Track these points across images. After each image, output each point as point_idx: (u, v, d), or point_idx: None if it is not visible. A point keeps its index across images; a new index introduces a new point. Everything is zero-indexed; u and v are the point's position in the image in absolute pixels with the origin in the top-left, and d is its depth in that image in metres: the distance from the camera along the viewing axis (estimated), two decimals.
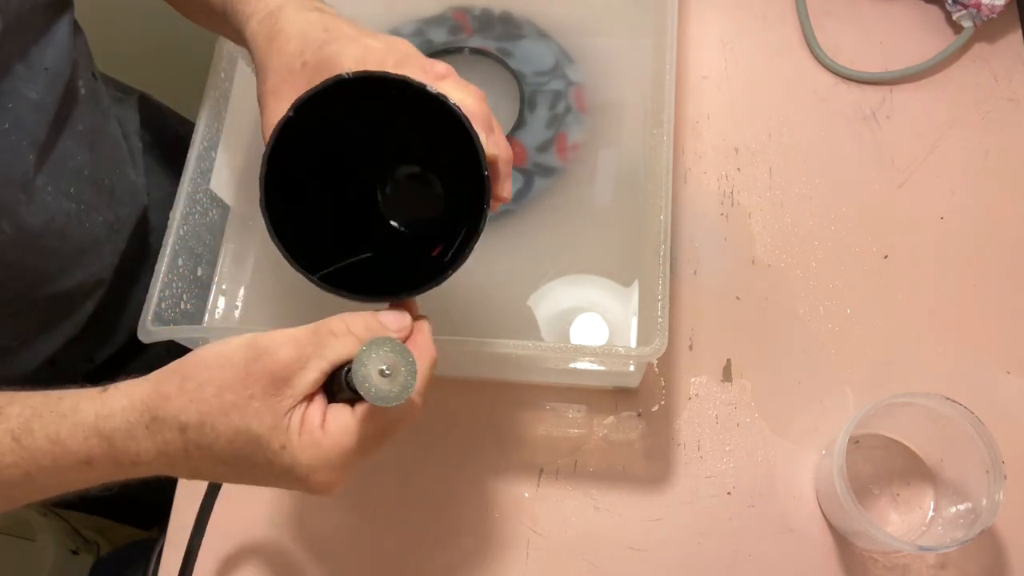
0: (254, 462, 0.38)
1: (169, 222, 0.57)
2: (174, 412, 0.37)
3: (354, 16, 0.72)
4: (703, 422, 0.61)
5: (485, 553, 0.58)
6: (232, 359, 0.37)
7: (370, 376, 0.35)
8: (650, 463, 0.60)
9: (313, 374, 0.37)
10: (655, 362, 0.62)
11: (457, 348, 0.52)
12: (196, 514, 0.51)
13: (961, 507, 0.54)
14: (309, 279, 0.40)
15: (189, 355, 0.39)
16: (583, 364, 0.57)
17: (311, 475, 0.37)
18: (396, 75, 0.39)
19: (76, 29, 0.60)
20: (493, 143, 0.42)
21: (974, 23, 0.69)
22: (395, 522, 0.60)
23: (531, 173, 0.64)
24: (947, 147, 0.68)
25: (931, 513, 0.57)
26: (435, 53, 0.69)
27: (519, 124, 0.66)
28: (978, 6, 0.67)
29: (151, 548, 0.91)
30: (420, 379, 0.39)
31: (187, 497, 0.61)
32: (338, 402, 0.39)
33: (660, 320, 0.50)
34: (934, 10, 0.73)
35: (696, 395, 0.61)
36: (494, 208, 0.43)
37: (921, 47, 0.71)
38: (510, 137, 0.65)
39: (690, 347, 0.63)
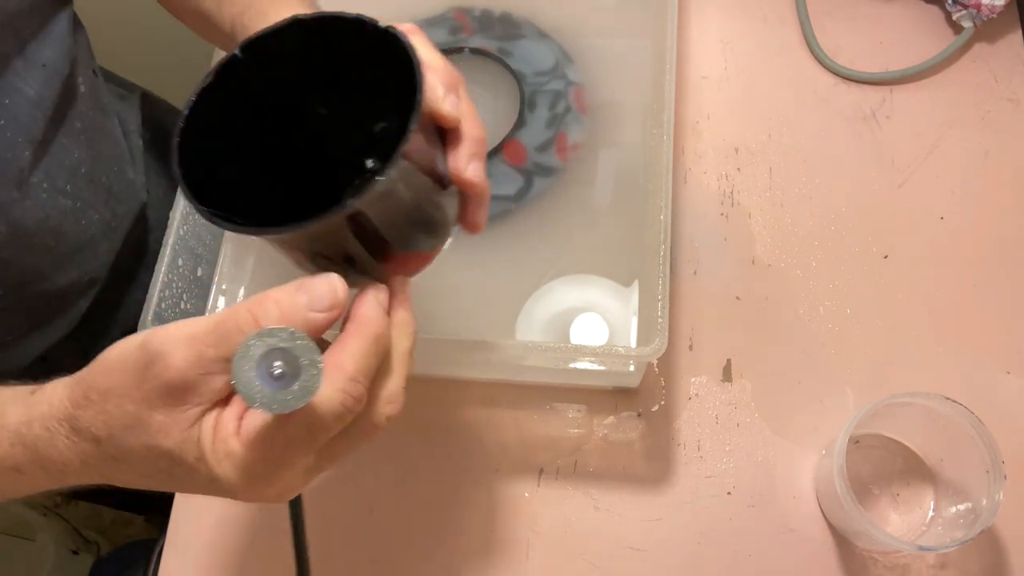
0: (174, 475, 0.34)
1: (169, 222, 0.57)
2: (86, 424, 0.33)
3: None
4: (703, 422, 0.61)
5: (485, 553, 0.58)
6: (127, 364, 0.33)
7: (250, 379, 0.29)
8: (650, 463, 0.60)
9: (220, 379, 0.32)
10: (655, 362, 0.62)
11: (457, 348, 0.52)
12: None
13: (961, 507, 0.54)
14: (193, 204, 0.34)
15: (100, 355, 0.34)
16: (583, 364, 0.57)
17: (237, 489, 0.33)
18: (350, 14, 0.36)
19: (76, 25, 0.60)
20: (452, 102, 0.37)
21: (974, 23, 0.69)
22: (395, 522, 0.60)
23: (531, 173, 0.64)
24: (947, 147, 0.68)
25: (931, 513, 0.57)
26: None
27: (519, 124, 0.66)
28: (978, 6, 0.67)
29: (151, 548, 0.92)
30: (396, 375, 0.34)
31: (187, 497, 0.61)
32: None
33: (660, 320, 0.50)
34: (934, 10, 0.73)
35: (696, 395, 0.61)
36: (474, 230, 0.40)
37: (921, 47, 0.71)
38: (510, 137, 0.65)
39: (690, 347, 0.63)
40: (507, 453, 0.61)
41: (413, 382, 0.64)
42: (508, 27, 0.70)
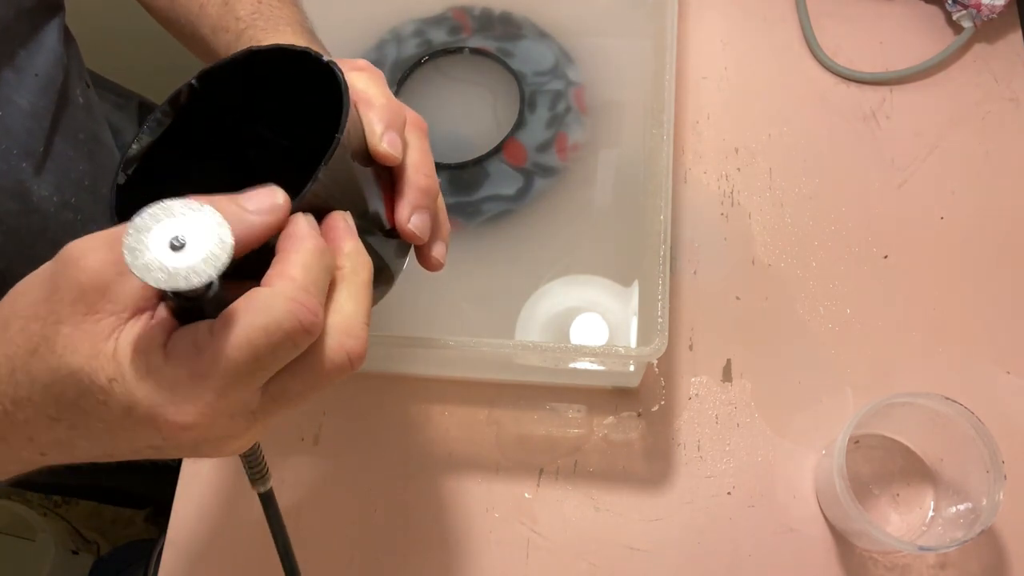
0: (84, 410, 0.28)
1: None
2: None
3: (355, 17, 0.72)
4: (703, 422, 0.61)
5: (485, 553, 0.58)
6: (36, 279, 0.29)
7: (144, 248, 0.25)
8: (650, 463, 0.60)
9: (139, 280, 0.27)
10: (655, 362, 0.62)
11: (457, 348, 0.52)
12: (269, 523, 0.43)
13: (961, 507, 0.54)
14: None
15: None
16: (583, 364, 0.57)
17: (158, 414, 0.27)
18: (298, 47, 0.35)
19: (68, 37, 0.60)
20: (390, 141, 0.35)
21: (974, 23, 0.69)
22: (395, 522, 0.60)
23: (531, 173, 0.64)
24: (947, 147, 0.68)
25: (931, 513, 0.57)
26: (435, 53, 0.69)
27: (519, 124, 0.66)
28: (978, 6, 0.67)
29: (151, 548, 0.92)
30: (355, 304, 0.31)
31: (187, 497, 0.61)
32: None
33: (660, 320, 0.50)
34: (934, 10, 0.73)
35: (696, 395, 0.61)
36: (432, 269, 0.39)
37: (921, 47, 0.71)
38: (510, 137, 0.65)
39: (690, 347, 0.63)
40: (507, 453, 0.61)
41: (413, 382, 0.64)
42: (508, 27, 0.70)
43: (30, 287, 0.29)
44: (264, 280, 0.28)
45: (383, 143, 0.35)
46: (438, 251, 0.39)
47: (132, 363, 0.27)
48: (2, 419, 0.30)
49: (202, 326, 0.28)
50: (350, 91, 0.34)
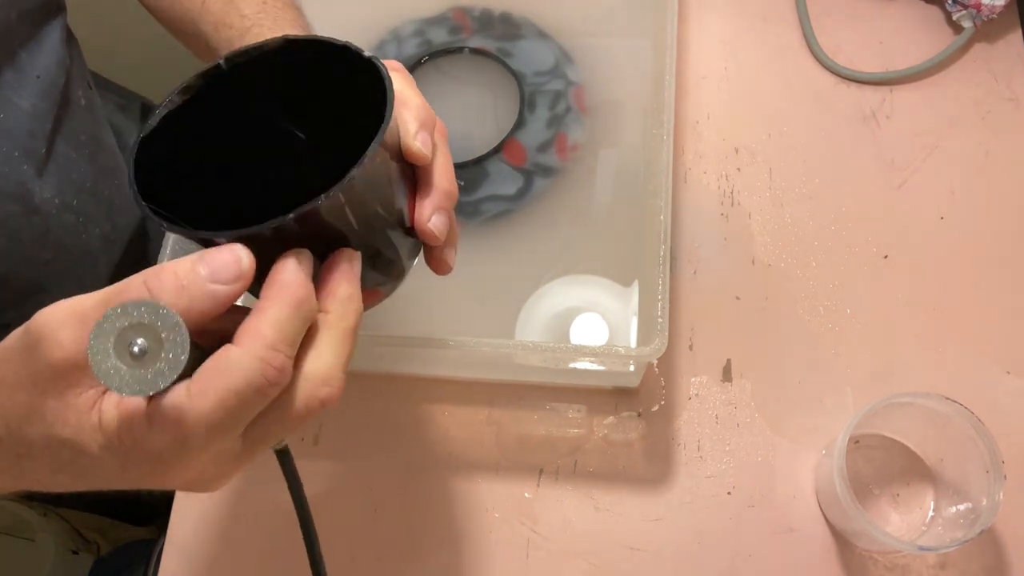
0: (85, 468, 0.30)
1: (166, 235, 0.57)
2: None
3: (355, 17, 0.72)
4: (703, 422, 0.61)
5: (485, 553, 0.58)
6: (12, 350, 0.30)
7: (106, 359, 0.26)
8: (650, 463, 0.60)
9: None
10: (655, 362, 0.62)
11: (457, 348, 0.52)
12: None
13: (961, 507, 0.54)
14: (133, 190, 0.32)
15: None
16: (583, 364, 0.57)
17: (147, 475, 0.30)
18: (338, 40, 0.36)
19: (70, 38, 0.60)
20: (423, 140, 0.36)
21: (974, 23, 0.69)
22: (395, 522, 0.60)
23: (531, 173, 0.64)
24: (947, 147, 0.68)
25: (931, 513, 0.57)
26: (435, 53, 0.69)
27: (519, 124, 0.66)
28: (978, 6, 0.67)
29: (151, 548, 0.92)
30: (333, 353, 0.31)
31: (187, 497, 0.61)
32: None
33: (660, 320, 0.50)
34: (934, 10, 0.73)
35: (696, 395, 0.61)
36: (440, 271, 0.40)
37: (921, 47, 0.71)
38: (510, 137, 0.65)
39: (690, 347, 0.63)
40: (507, 453, 0.61)
41: (413, 382, 0.64)
42: (508, 27, 0.70)
43: (8, 357, 0.30)
44: (236, 336, 0.29)
45: (416, 141, 0.36)
46: (449, 255, 0.40)
47: (118, 434, 0.29)
48: (14, 465, 0.32)
49: (180, 389, 0.29)
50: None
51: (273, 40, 0.37)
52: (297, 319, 0.30)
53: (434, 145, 0.38)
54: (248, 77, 0.37)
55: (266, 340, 0.29)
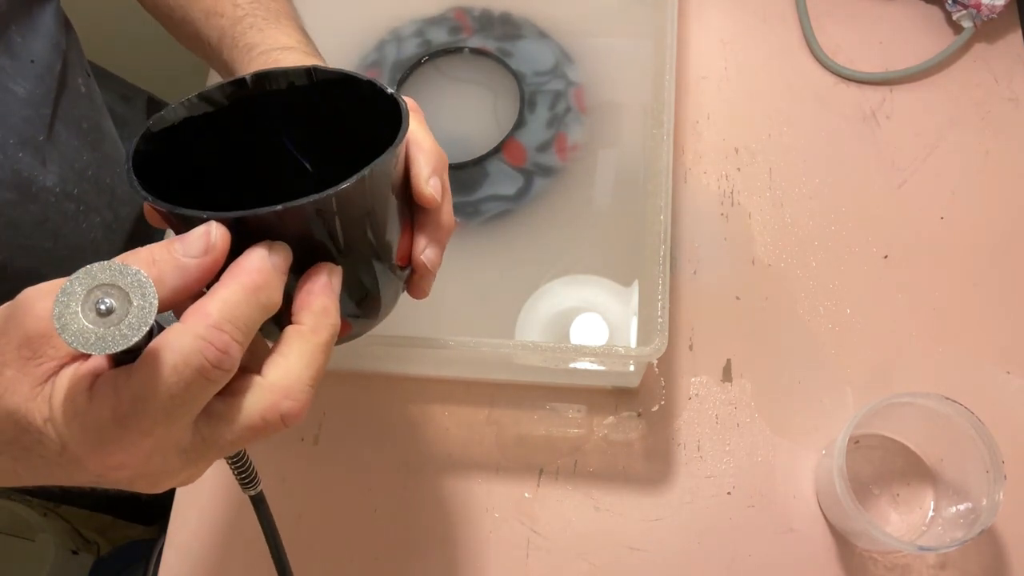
0: (24, 446, 0.29)
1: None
2: None
3: (355, 17, 0.72)
4: (703, 422, 0.61)
5: (485, 553, 0.58)
6: None
7: (71, 316, 0.26)
8: (650, 463, 0.60)
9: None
10: (655, 362, 0.62)
11: (457, 348, 0.52)
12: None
13: (961, 507, 0.54)
14: (128, 173, 0.33)
15: None
16: (583, 364, 0.57)
17: (84, 454, 0.29)
18: (363, 76, 0.37)
19: (66, 24, 0.60)
20: (435, 186, 0.37)
21: (974, 23, 0.69)
22: (395, 522, 0.60)
23: (531, 173, 0.64)
24: (947, 147, 0.68)
25: (931, 513, 0.57)
26: (435, 53, 0.69)
27: (519, 124, 0.66)
28: (978, 6, 0.67)
29: (151, 548, 0.92)
30: (302, 366, 0.31)
31: (187, 497, 0.61)
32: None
33: (660, 320, 0.50)
34: (934, 10, 0.73)
35: (696, 395, 0.61)
36: (417, 297, 0.40)
37: (921, 47, 0.71)
38: (510, 137, 0.65)
39: (690, 347, 0.63)
40: (507, 453, 0.61)
41: (413, 382, 0.64)
42: (508, 27, 0.70)
43: None
44: (182, 316, 0.29)
45: (428, 186, 0.36)
46: (429, 284, 0.40)
47: (62, 406, 0.28)
48: None
49: (122, 370, 0.28)
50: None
51: (299, 68, 0.37)
52: (251, 304, 0.29)
53: (445, 188, 0.38)
54: (269, 97, 0.38)
55: (210, 319, 0.28)
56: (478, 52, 0.69)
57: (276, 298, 0.31)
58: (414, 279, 0.40)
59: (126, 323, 0.26)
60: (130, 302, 0.26)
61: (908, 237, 0.65)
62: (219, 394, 0.30)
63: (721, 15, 0.75)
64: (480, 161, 0.64)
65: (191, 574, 0.59)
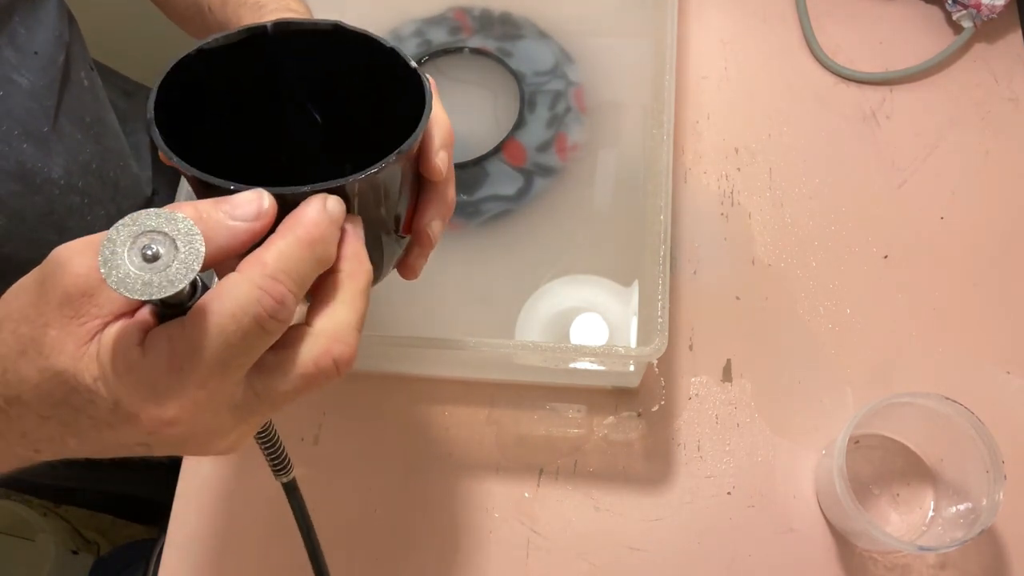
0: (74, 407, 0.29)
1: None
2: None
3: (355, 17, 0.72)
4: (703, 422, 0.61)
5: (485, 553, 0.58)
6: (26, 284, 0.29)
7: (116, 263, 0.25)
8: (650, 463, 0.60)
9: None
10: (655, 362, 0.62)
11: (457, 348, 0.52)
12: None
13: (961, 507, 0.54)
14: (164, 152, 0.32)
15: None
16: (583, 364, 0.57)
17: (139, 409, 0.28)
18: (387, 42, 0.37)
19: (69, 16, 0.60)
20: (443, 159, 0.37)
21: (974, 23, 0.69)
22: (395, 521, 0.60)
23: (531, 173, 0.64)
24: (947, 147, 0.68)
25: (931, 513, 0.57)
26: (435, 53, 0.69)
27: (519, 124, 0.66)
28: (978, 6, 0.67)
29: (151, 548, 0.92)
30: (347, 309, 0.31)
31: (187, 497, 0.61)
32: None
33: (660, 320, 0.50)
34: (934, 10, 0.73)
35: (696, 395, 0.61)
36: (410, 276, 0.41)
37: (921, 47, 0.71)
38: (510, 137, 0.65)
39: (690, 347, 0.63)
40: (507, 453, 0.61)
41: (413, 382, 0.64)
42: (508, 27, 0.70)
43: (21, 290, 0.29)
44: (239, 266, 0.29)
45: (438, 158, 0.36)
46: (421, 262, 0.41)
47: (112, 362, 0.28)
48: (1, 411, 0.30)
49: (175, 321, 0.28)
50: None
51: (324, 22, 0.37)
52: (307, 257, 0.29)
53: (449, 164, 0.38)
54: (288, 47, 0.38)
55: (266, 268, 0.28)
56: (478, 52, 0.69)
57: (331, 252, 0.31)
58: (412, 254, 0.40)
59: (173, 269, 0.26)
60: (177, 249, 0.26)
61: (908, 237, 0.65)
62: (269, 348, 0.30)
63: (721, 15, 0.75)
64: (480, 161, 0.65)
65: (191, 574, 0.59)
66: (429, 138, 0.37)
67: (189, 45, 0.36)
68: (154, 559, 0.87)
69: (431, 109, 0.35)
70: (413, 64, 0.36)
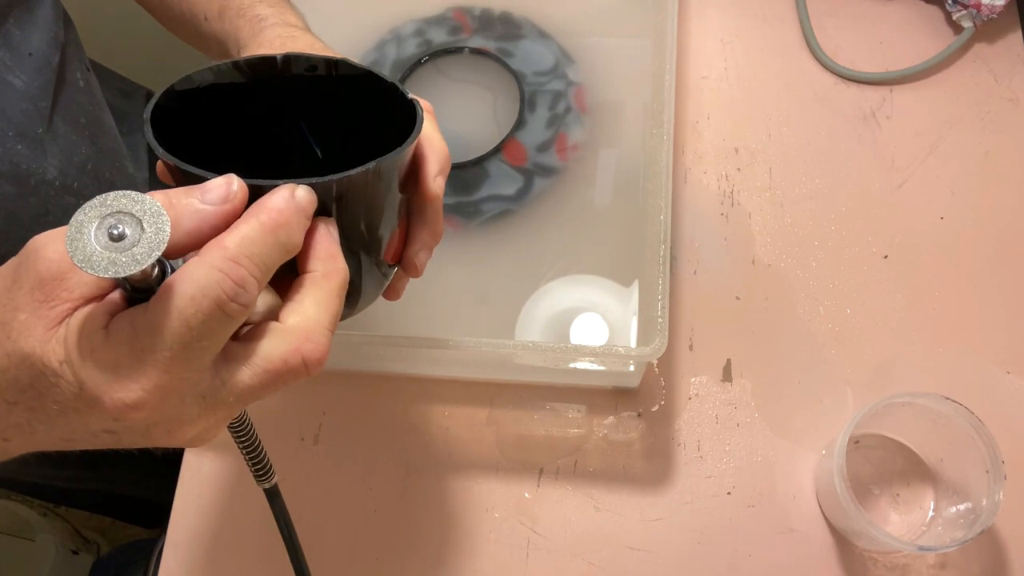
0: (39, 392, 0.29)
1: None
2: None
3: (356, 17, 0.72)
4: (703, 422, 0.61)
5: (485, 553, 0.58)
6: (3, 271, 0.30)
7: (82, 242, 0.26)
8: (650, 463, 0.60)
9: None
10: (655, 362, 0.62)
11: (457, 348, 0.52)
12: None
13: (961, 507, 0.54)
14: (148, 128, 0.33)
15: None
16: (583, 364, 0.57)
17: (103, 392, 0.28)
18: (388, 78, 0.38)
19: (66, 20, 0.60)
20: (439, 185, 0.38)
21: (974, 23, 0.69)
22: (395, 522, 0.60)
23: (531, 173, 0.64)
24: (947, 147, 0.68)
25: (931, 513, 0.57)
26: (435, 53, 0.69)
27: (519, 124, 0.66)
28: (978, 6, 0.67)
29: (151, 548, 0.92)
30: (319, 308, 0.31)
31: (187, 497, 0.61)
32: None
33: (660, 320, 0.50)
34: (934, 10, 0.73)
35: (696, 395, 0.61)
36: (392, 298, 0.42)
37: (921, 47, 0.71)
38: (510, 137, 0.65)
39: (690, 347, 0.63)
40: (507, 453, 0.61)
41: (413, 382, 0.64)
42: (508, 27, 0.70)
43: (1, 273, 0.30)
44: (202, 250, 0.29)
45: (434, 184, 0.37)
46: (403, 284, 0.42)
47: (77, 344, 0.28)
48: None
49: (140, 306, 0.28)
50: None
51: (332, 56, 0.38)
52: (270, 242, 0.29)
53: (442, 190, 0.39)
54: (292, 79, 0.38)
55: (227, 252, 0.28)
56: (478, 52, 0.69)
57: (296, 239, 0.31)
58: (396, 278, 0.41)
59: (138, 248, 0.26)
60: (143, 229, 0.26)
61: (908, 237, 0.65)
62: (239, 339, 0.30)
63: (721, 15, 0.75)
64: (480, 161, 0.65)
65: (191, 574, 0.59)
66: (426, 163, 0.38)
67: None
68: (154, 559, 0.87)
69: (418, 131, 0.36)
70: (410, 95, 0.37)
